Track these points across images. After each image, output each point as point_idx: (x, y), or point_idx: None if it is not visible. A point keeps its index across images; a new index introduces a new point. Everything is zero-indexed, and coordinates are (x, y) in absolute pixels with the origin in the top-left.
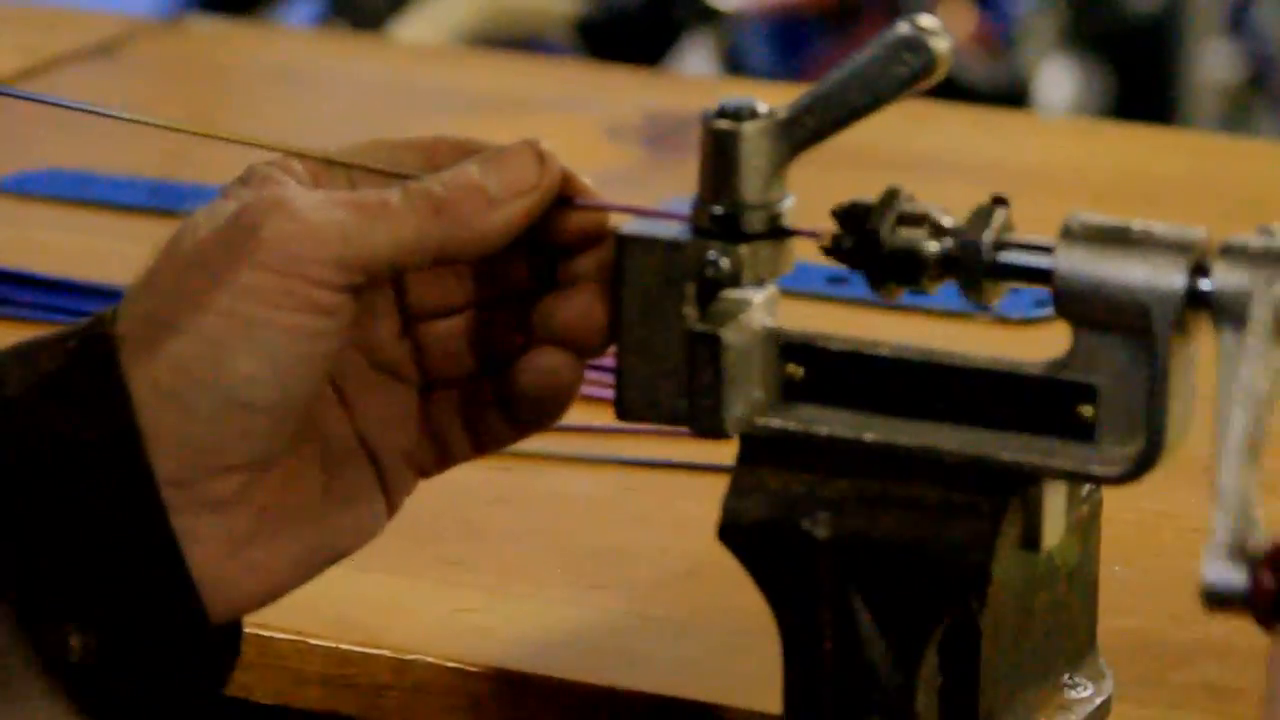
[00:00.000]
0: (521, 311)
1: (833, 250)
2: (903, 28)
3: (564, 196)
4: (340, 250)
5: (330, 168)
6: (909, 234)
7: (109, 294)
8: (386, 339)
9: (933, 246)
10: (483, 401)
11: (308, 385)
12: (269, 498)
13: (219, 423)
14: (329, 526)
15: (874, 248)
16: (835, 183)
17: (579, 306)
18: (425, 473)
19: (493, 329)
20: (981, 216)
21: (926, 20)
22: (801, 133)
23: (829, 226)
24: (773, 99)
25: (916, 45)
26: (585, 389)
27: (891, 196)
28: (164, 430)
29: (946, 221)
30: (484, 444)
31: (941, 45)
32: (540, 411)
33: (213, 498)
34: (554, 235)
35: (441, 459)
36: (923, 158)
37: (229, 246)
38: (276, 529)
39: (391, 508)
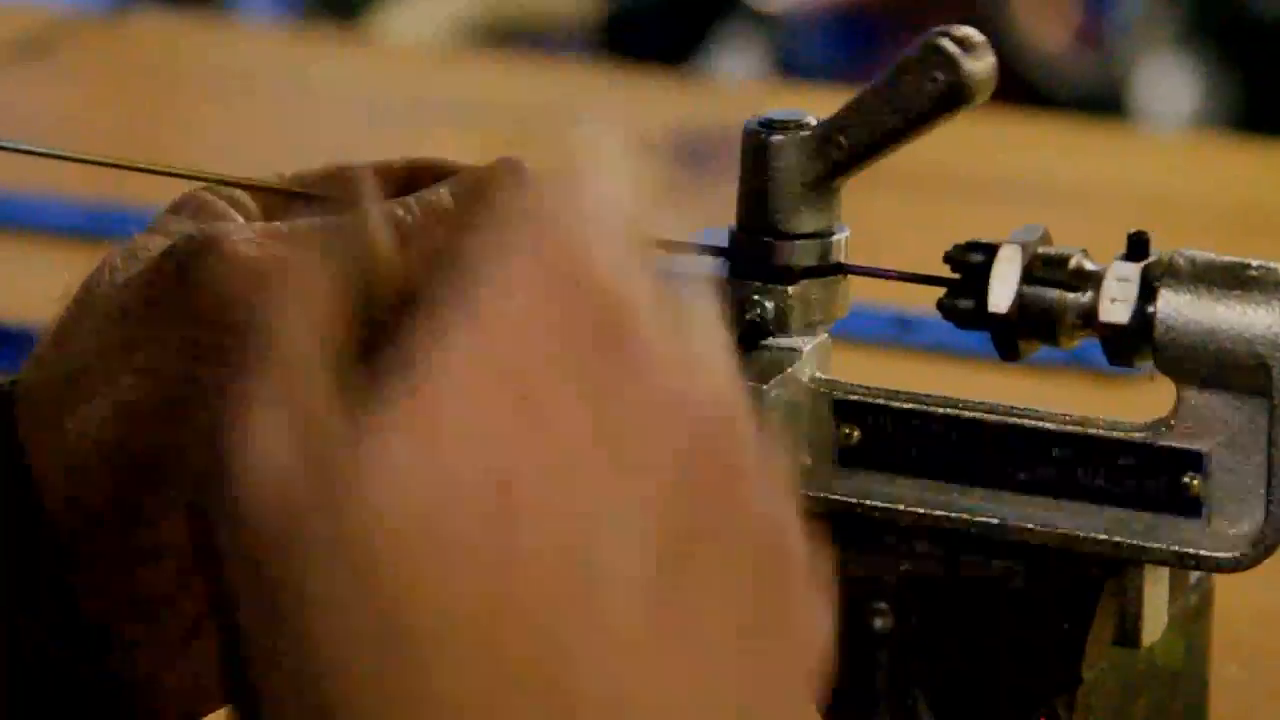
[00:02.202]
0: None
1: (950, 310)
2: (934, 38)
3: None
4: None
5: (286, 198)
6: (1043, 282)
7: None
8: None
9: (1072, 299)
10: None
11: None
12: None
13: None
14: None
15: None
16: (894, 209)
17: None
18: None
19: None
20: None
21: (963, 31)
22: (837, 151)
23: (894, 260)
24: (829, 108)
25: (945, 61)
26: None
27: (1026, 236)
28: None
29: (1089, 266)
30: None
31: (975, 65)
32: None
33: (144, 591)
34: None
35: None
36: (997, 180)
37: (152, 294)
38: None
39: None
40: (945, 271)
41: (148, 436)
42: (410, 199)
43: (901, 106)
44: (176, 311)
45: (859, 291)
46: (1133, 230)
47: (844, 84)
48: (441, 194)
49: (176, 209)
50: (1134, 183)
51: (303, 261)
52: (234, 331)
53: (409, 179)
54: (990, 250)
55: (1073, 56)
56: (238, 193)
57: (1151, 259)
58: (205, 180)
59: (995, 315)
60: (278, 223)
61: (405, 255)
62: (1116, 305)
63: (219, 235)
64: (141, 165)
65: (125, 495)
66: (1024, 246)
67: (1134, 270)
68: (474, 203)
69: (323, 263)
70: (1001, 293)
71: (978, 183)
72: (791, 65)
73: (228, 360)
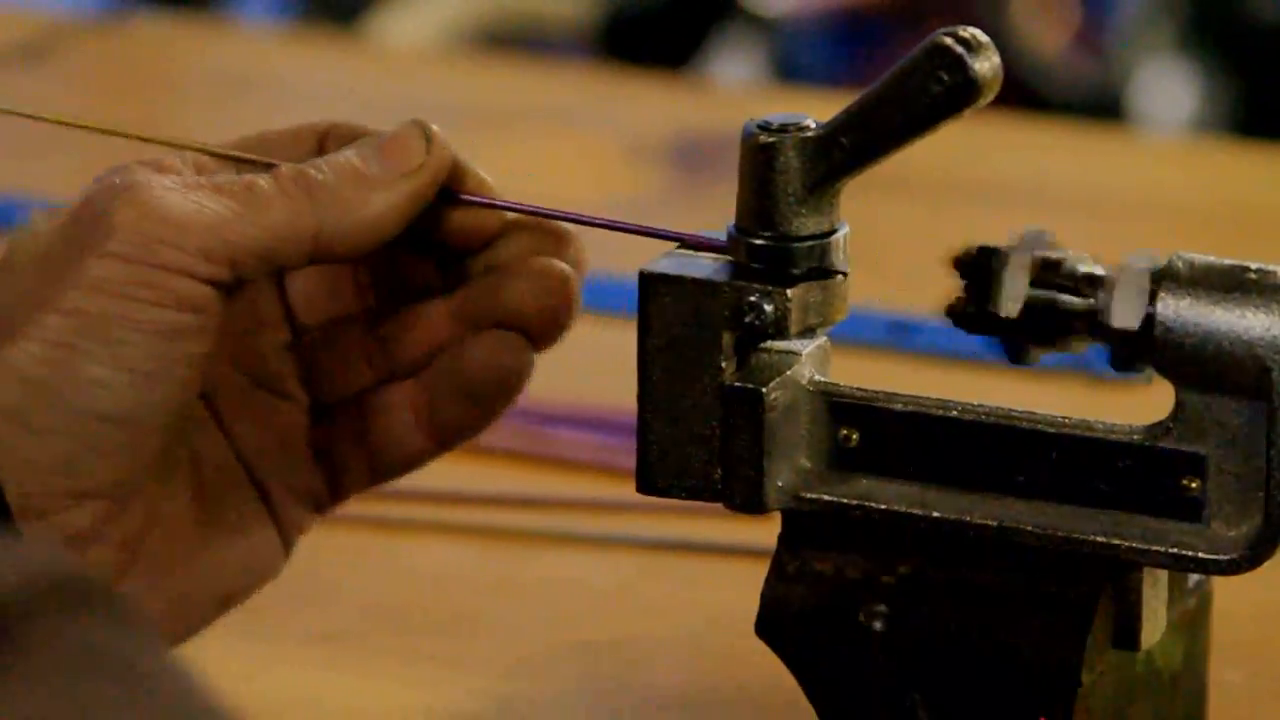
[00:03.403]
0: (433, 311)
1: (958, 315)
2: (938, 38)
3: (455, 191)
4: (203, 238)
5: (220, 167)
6: (1052, 285)
7: None
8: (270, 353)
9: (1080, 303)
10: (386, 419)
11: (171, 394)
12: (133, 531)
13: (69, 439)
14: (211, 566)
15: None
16: (893, 213)
17: (528, 288)
18: (319, 505)
19: (396, 335)
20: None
21: (968, 31)
22: (839, 154)
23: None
24: (829, 111)
25: (950, 61)
26: (600, 457)
27: (1033, 240)
28: (7, 452)
29: (1096, 271)
30: (387, 468)
31: (981, 65)
32: (484, 406)
33: (68, 530)
34: (448, 235)
35: (335, 489)
36: (995, 184)
37: (73, 239)
38: (146, 568)
39: (286, 544)
40: (946, 277)
41: (75, 372)
42: (321, 159)
43: (906, 107)
44: (95, 251)
45: (857, 295)
46: (1132, 234)
47: (842, 88)
48: (348, 153)
49: (98, 178)
50: (1133, 186)
51: (216, 207)
52: (155, 269)
53: (329, 143)
54: (998, 255)
55: (1071, 60)
56: (174, 164)
57: (1151, 263)
58: (171, 146)
59: (1005, 321)
60: (198, 176)
61: (314, 207)
62: (1127, 312)
63: (138, 181)
64: (126, 132)
65: None
66: (1031, 250)
67: (1144, 277)
68: (380, 160)
69: (236, 211)
70: (1011, 298)
71: (976, 186)
72: (789, 69)
73: (144, 298)
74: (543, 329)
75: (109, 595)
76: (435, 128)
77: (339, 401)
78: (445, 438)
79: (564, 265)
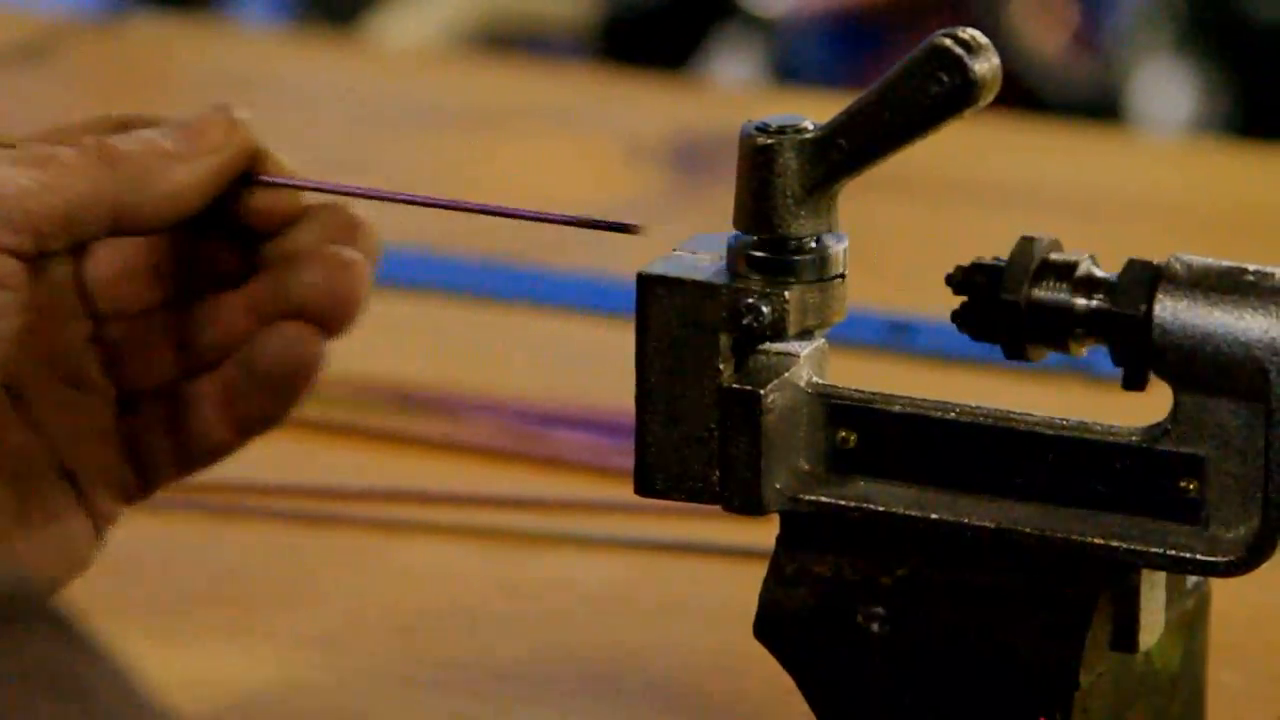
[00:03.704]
0: (231, 303)
1: (963, 320)
2: (938, 39)
3: (256, 175)
4: (5, 206)
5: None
6: (1051, 288)
7: None
8: (74, 345)
9: (1081, 305)
10: (191, 410)
11: None
12: None
13: None
14: (25, 556)
15: (1013, 316)
16: (891, 214)
17: (316, 276)
18: (128, 495)
19: (198, 326)
20: (1137, 271)
21: (968, 32)
22: (837, 155)
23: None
24: (828, 112)
25: (950, 62)
26: (598, 458)
27: (1025, 252)
28: None
29: (1098, 273)
30: (194, 458)
31: (981, 66)
32: (280, 397)
33: None
34: (248, 218)
35: (145, 480)
36: (993, 185)
37: None
38: None
39: (98, 533)
40: (943, 278)
41: None
42: (124, 135)
43: (905, 108)
44: None
45: (855, 296)
46: (1130, 235)
47: (840, 89)
48: (151, 130)
49: None
50: (1131, 187)
51: (18, 177)
52: None
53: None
54: (993, 272)
55: (1070, 61)
56: None
57: (1149, 264)
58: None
59: (1009, 326)
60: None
61: (115, 178)
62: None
63: None
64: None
65: None
66: (1032, 254)
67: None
68: (183, 138)
69: (38, 180)
70: (1011, 303)
71: (974, 187)
72: (788, 70)
73: None
74: (331, 318)
75: (49, 607)
76: (240, 112)
77: (146, 392)
78: (246, 428)
79: (353, 253)
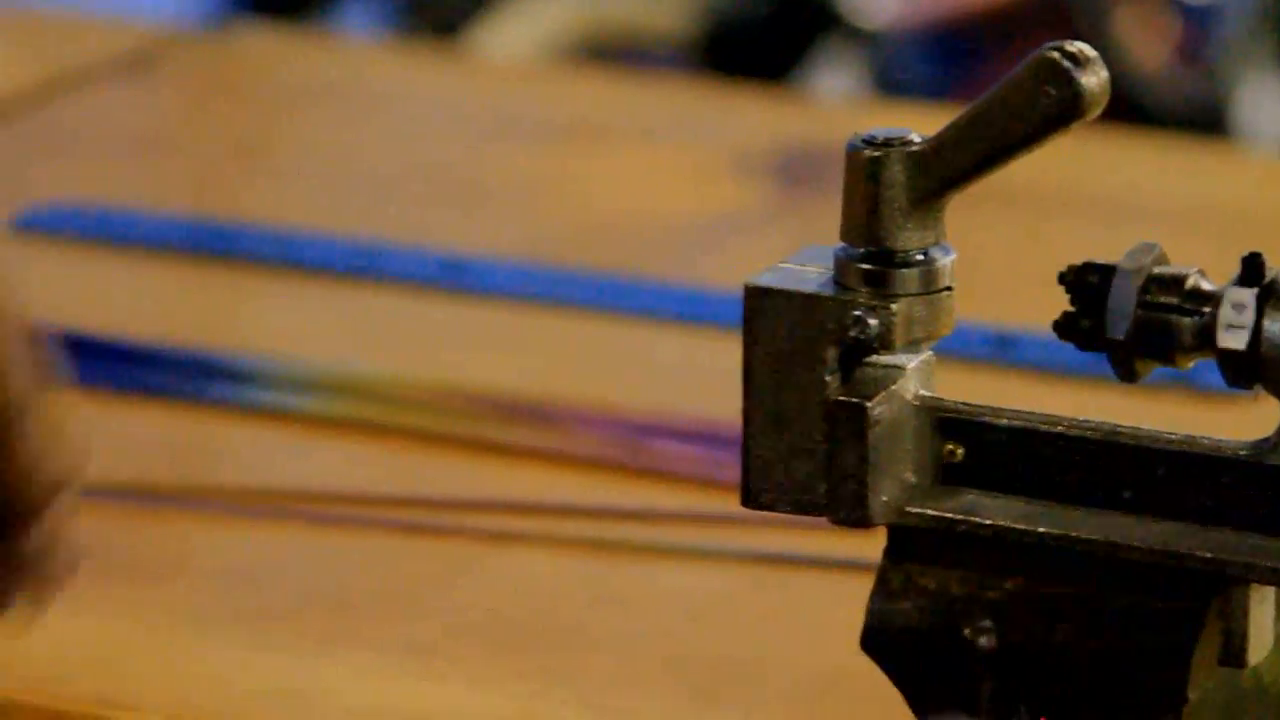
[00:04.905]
0: None
1: (1067, 330)
2: (1047, 52)
3: None
4: None
5: None
6: (1162, 301)
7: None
8: None
9: (1189, 321)
10: None
11: None
12: None
13: None
14: None
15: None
16: (994, 226)
17: None
18: None
19: None
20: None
21: (1076, 46)
22: (944, 168)
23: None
24: (930, 124)
25: (1058, 75)
26: (704, 470)
27: (1141, 256)
28: None
29: (1205, 285)
30: None
31: (1089, 80)
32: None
33: None
34: None
35: None
36: (1097, 198)
37: None
38: None
39: None
40: (1047, 291)
41: None
42: None
43: (1013, 121)
44: None
45: (959, 309)
46: (1246, 253)
47: (943, 101)
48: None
49: None
50: (1235, 201)
51: None
52: None
53: None
54: (1106, 271)
55: (1173, 74)
56: None
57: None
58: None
59: (1113, 339)
60: None
61: None
62: (1234, 332)
63: None
64: None
65: None
66: (1139, 267)
67: (1250, 295)
68: None
69: None
70: (1120, 316)
71: (1077, 200)
72: (890, 82)
73: None
74: None
75: None
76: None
77: None
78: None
79: None
